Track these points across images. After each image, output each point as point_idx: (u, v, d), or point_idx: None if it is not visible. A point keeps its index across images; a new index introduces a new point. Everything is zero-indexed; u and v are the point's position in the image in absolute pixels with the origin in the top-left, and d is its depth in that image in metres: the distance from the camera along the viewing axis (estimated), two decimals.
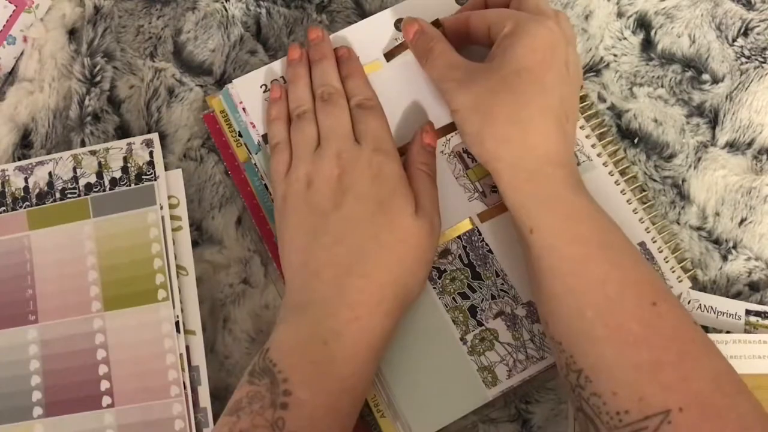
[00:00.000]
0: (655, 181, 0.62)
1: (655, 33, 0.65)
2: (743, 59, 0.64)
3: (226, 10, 0.66)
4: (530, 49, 0.51)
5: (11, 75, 0.66)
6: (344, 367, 0.49)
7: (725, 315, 0.58)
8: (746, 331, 0.57)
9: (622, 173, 0.60)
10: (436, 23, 0.59)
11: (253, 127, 0.58)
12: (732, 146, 0.63)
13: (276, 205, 0.56)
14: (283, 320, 0.52)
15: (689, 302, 0.58)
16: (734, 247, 0.61)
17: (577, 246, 0.49)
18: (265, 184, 0.59)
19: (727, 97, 0.63)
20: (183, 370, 0.57)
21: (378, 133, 0.55)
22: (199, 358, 0.58)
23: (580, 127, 0.60)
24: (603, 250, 0.49)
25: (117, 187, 0.60)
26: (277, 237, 0.55)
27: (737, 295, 0.60)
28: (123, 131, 0.64)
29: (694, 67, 0.64)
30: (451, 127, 0.59)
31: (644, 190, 0.60)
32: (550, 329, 0.50)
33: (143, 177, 0.60)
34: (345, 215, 0.52)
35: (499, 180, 0.52)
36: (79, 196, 0.60)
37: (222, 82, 0.64)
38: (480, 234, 0.57)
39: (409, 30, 0.58)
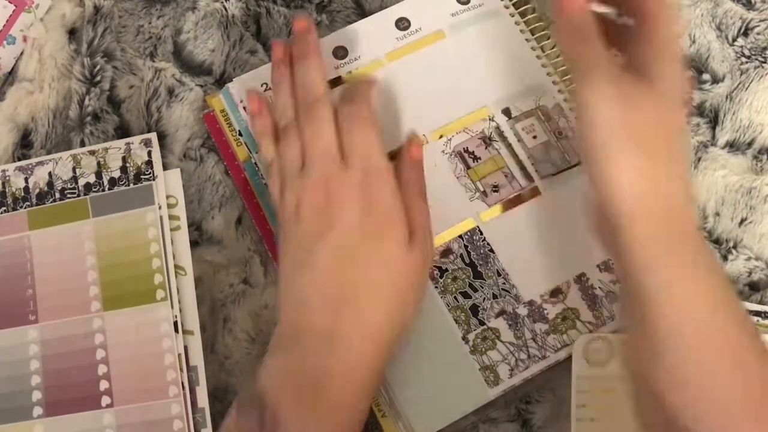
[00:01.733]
0: None
1: None
2: (743, 59, 0.64)
3: (226, 9, 0.66)
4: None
5: (11, 75, 0.65)
6: (336, 404, 0.48)
7: None
8: None
9: None
10: None
11: None
12: (732, 146, 0.63)
13: (277, 231, 0.55)
14: (274, 349, 0.51)
15: None
16: (734, 247, 0.61)
17: (716, 307, 0.43)
18: (265, 184, 0.59)
19: (727, 97, 0.63)
20: (181, 370, 0.56)
21: (365, 150, 0.52)
22: (198, 358, 0.57)
23: None
24: (732, 310, 0.44)
25: (116, 187, 0.60)
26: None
27: (737, 295, 0.60)
28: (123, 131, 0.63)
29: (694, 67, 0.64)
30: (452, 126, 0.59)
31: None
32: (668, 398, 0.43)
33: (142, 177, 0.60)
34: (333, 246, 0.50)
35: (627, 225, 0.44)
36: (79, 196, 0.60)
37: (222, 81, 0.64)
38: (481, 233, 0.57)
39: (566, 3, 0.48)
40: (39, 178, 0.61)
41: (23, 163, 0.62)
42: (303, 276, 0.50)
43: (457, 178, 0.58)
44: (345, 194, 0.50)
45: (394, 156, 0.57)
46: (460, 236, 0.57)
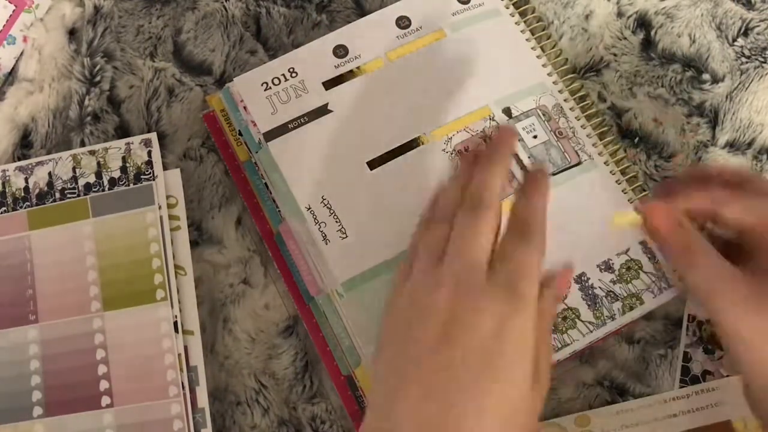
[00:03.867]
0: (655, 180, 0.62)
1: (655, 33, 0.65)
2: (743, 59, 0.64)
3: (226, 9, 0.66)
4: None
5: (11, 75, 0.65)
6: None
7: None
8: None
9: (623, 172, 0.60)
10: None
11: (254, 125, 0.58)
12: (732, 146, 0.63)
13: (384, 306, 0.47)
14: None
15: None
16: None
17: None
18: (266, 183, 0.59)
19: (727, 97, 0.63)
20: (181, 370, 0.56)
21: (520, 271, 0.44)
22: (197, 358, 0.57)
23: (581, 126, 0.60)
24: None
25: (116, 187, 0.60)
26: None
27: None
28: (123, 131, 0.64)
29: (694, 67, 0.64)
30: (452, 126, 0.59)
31: (644, 190, 0.60)
32: None
33: (142, 177, 0.60)
34: (444, 365, 0.42)
35: None
36: (79, 196, 0.60)
37: (222, 81, 0.64)
38: None
39: (656, 214, 0.50)
40: (39, 178, 0.61)
41: (23, 163, 0.62)
42: (400, 390, 0.42)
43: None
44: (477, 312, 0.42)
45: (394, 153, 0.57)
46: None
